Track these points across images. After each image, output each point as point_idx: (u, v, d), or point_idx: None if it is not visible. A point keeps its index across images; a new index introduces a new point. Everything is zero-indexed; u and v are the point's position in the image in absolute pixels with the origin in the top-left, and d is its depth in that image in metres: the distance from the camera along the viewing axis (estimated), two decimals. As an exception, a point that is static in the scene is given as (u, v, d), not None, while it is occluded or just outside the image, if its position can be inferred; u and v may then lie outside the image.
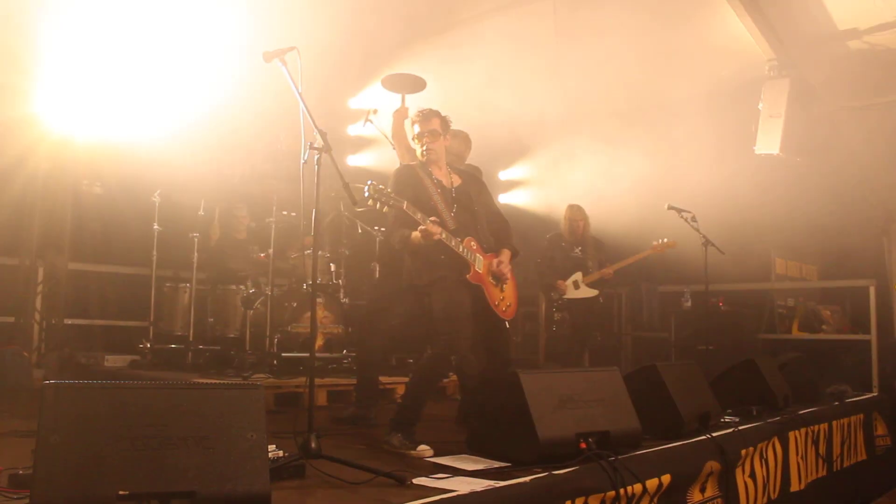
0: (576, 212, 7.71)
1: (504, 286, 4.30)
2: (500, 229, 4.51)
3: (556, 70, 8.44)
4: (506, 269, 4.29)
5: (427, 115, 4.31)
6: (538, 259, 7.79)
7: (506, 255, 4.35)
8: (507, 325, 4.36)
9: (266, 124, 9.14)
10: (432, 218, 3.98)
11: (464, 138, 5.38)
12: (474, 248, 4.17)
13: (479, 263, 4.17)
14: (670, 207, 7.45)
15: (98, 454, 2.25)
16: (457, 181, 4.41)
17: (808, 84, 7.90)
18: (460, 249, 4.06)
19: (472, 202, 4.36)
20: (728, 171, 8.48)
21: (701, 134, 8.66)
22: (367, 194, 3.75)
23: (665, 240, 7.62)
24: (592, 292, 7.58)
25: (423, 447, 3.73)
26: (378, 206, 3.81)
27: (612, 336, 9.70)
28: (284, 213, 7.12)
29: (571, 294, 7.56)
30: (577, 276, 7.60)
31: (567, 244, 7.69)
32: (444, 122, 4.36)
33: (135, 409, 2.36)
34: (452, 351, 4.03)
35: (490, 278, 4.23)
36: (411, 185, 4.19)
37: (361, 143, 9.54)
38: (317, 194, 3.60)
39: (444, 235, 3.97)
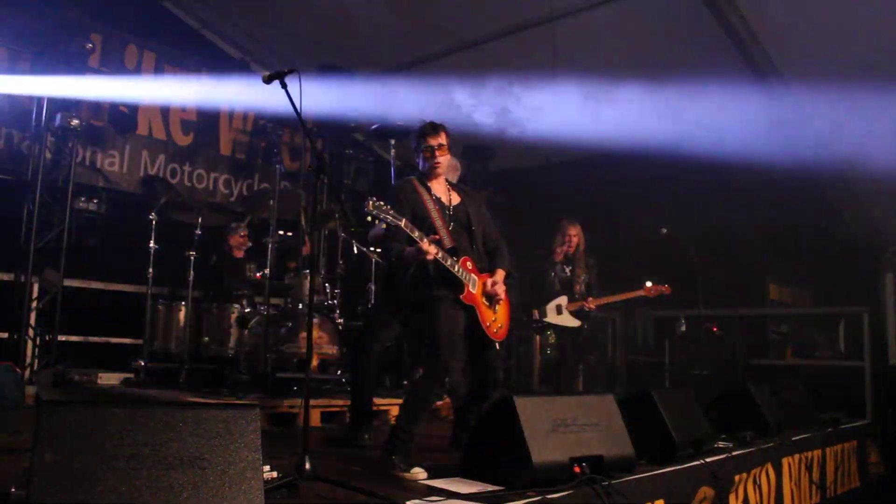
0: (572, 228, 7.38)
1: (497, 307, 4.29)
2: (495, 249, 4.48)
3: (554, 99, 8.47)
4: (500, 289, 4.27)
5: (436, 128, 4.28)
6: (530, 276, 7.49)
7: (500, 275, 4.33)
8: (498, 347, 4.35)
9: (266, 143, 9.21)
10: (432, 236, 3.97)
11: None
12: (469, 268, 4.16)
13: (474, 284, 4.16)
14: (666, 231, 7.46)
15: (92, 473, 2.25)
16: (455, 199, 4.38)
17: (804, 109, 7.95)
18: (456, 269, 4.05)
19: (469, 221, 4.35)
20: (724, 196, 8.55)
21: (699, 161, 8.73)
22: (366, 210, 3.75)
23: (659, 285, 7.33)
24: (575, 322, 7.23)
25: (417, 470, 3.72)
26: (377, 222, 3.81)
27: (606, 360, 9.68)
28: (281, 232, 7.13)
29: (553, 318, 7.23)
30: (563, 300, 7.24)
31: (558, 262, 7.40)
32: (449, 135, 4.33)
33: (130, 428, 2.36)
34: (447, 372, 4.00)
35: (483, 299, 4.22)
36: (410, 200, 4.18)
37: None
38: (314, 214, 3.63)
39: (440, 255, 3.96)
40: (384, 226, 3.84)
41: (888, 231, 9.84)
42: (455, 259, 4.07)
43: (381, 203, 3.77)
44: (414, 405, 4.05)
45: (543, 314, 7.24)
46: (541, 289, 7.35)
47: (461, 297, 4.08)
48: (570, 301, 7.24)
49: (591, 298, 7.25)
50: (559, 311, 7.24)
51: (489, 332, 4.21)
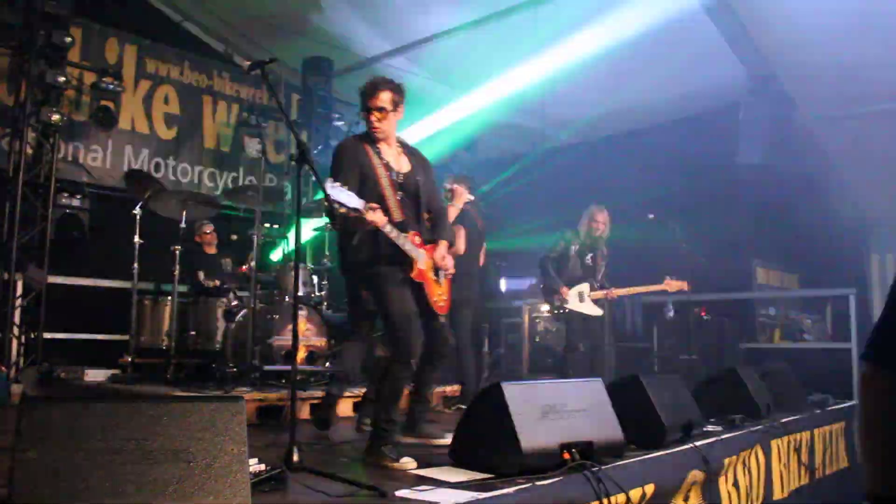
0: (600, 214, 7.13)
1: (442, 281, 4.19)
2: (437, 219, 4.30)
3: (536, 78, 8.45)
4: (450, 263, 4.17)
5: (375, 89, 4.00)
6: (549, 254, 7.21)
7: (444, 246, 4.18)
8: (443, 320, 4.20)
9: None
10: (372, 204, 3.73)
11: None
12: (417, 243, 4.02)
13: (422, 260, 4.02)
14: (653, 217, 7.43)
15: (76, 469, 2.23)
16: (405, 165, 4.14)
17: (788, 94, 7.97)
18: (406, 247, 3.91)
19: (417, 189, 4.13)
20: (709, 180, 8.57)
21: (683, 145, 8.75)
22: (326, 194, 3.53)
23: (679, 280, 7.18)
24: (597, 311, 7.08)
25: (406, 459, 3.69)
26: (336, 205, 3.56)
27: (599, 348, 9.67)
28: (266, 225, 7.10)
29: (575, 305, 7.04)
30: (585, 287, 7.08)
31: (581, 248, 7.18)
32: (397, 93, 4.03)
33: (114, 423, 2.33)
34: (410, 352, 3.89)
35: (431, 274, 4.10)
36: (358, 163, 3.95)
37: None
38: (297, 205, 3.59)
39: (387, 228, 3.81)
40: (343, 210, 3.56)
41: (873, 213, 9.91)
42: (404, 235, 3.93)
43: (342, 187, 3.57)
44: (387, 391, 3.95)
45: (566, 300, 7.06)
46: (562, 271, 7.16)
47: (412, 275, 3.95)
48: (591, 289, 7.13)
49: (613, 288, 7.13)
50: (581, 298, 7.09)
51: (435, 307, 4.10)
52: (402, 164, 4.14)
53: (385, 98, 4.00)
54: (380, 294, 3.97)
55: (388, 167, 4.04)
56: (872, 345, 1.55)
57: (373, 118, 4.00)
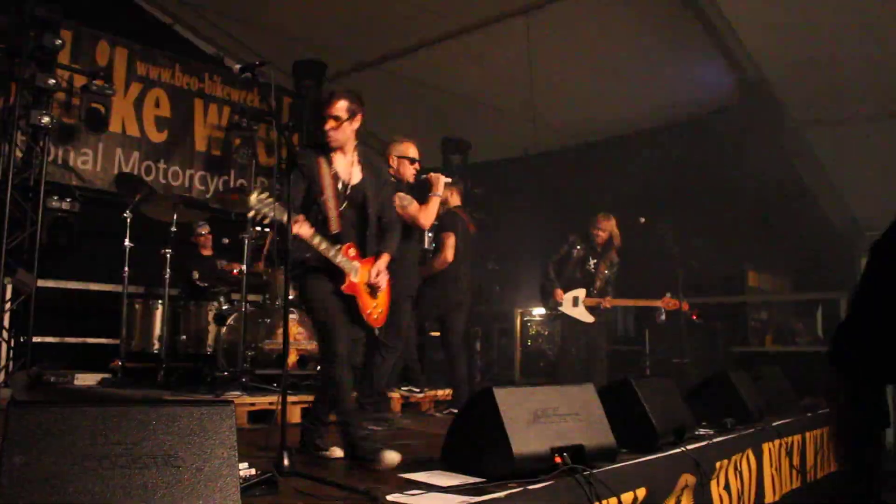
0: (605, 222, 7.23)
1: (378, 294, 4.18)
2: (386, 232, 4.27)
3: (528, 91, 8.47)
4: (383, 280, 4.15)
5: (331, 97, 4.00)
6: (552, 256, 7.34)
7: (384, 260, 4.16)
8: (377, 333, 4.24)
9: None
10: (298, 217, 3.74)
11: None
12: (352, 255, 4.01)
13: (356, 273, 4.01)
14: (645, 220, 7.45)
15: (64, 474, 2.21)
16: (356, 176, 4.11)
17: (778, 99, 8.00)
18: (337, 259, 3.91)
19: (365, 202, 4.11)
20: (701, 184, 8.58)
21: (675, 149, 8.77)
22: (251, 205, 3.58)
23: (680, 302, 7.25)
24: (588, 318, 7.15)
25: (388, 453, 3.67)
26: (257, 214, 3.61)
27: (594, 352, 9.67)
28: (258, 228, 7.07)
29: (568, 310, 7.15)
30: (580, 293, 7.18)
31: (584, 252, 7.27)
32: (354, 103, 4.02)
33: (102, 428, 2.31)
34: (336, 358, 3.87)
35: (365, 287, 4.09)
36: (309, 174, 3.96)
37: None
38: (289, 209, 3.58)
39: (316, 240, 3.82)
40: (266, 220, 3.64)
41: (864, 217, 9.94)
42: (337, 248, 3.93)
43: (265, 196, 3.60)
44: (333, 395, 3.94)
45: (560, 302, 7.13)
46: (560, 274, 7.22)
47: (342, 287, 3.95)
48: (587, 295, 7.17)
49: (608, 297, 7.17)
50: (575, 302, 7.14)
51: (369, 320, 4.11)
52: (354, 175, 4.12)
53: (341, 107, 3.98)
54: (306, 297, 4.03)
55: (335, 177, 4.04)
56: (832, 351, 1.57)
57: (327, 126, 3.99)
